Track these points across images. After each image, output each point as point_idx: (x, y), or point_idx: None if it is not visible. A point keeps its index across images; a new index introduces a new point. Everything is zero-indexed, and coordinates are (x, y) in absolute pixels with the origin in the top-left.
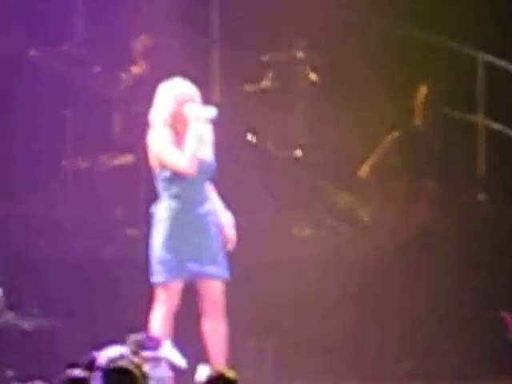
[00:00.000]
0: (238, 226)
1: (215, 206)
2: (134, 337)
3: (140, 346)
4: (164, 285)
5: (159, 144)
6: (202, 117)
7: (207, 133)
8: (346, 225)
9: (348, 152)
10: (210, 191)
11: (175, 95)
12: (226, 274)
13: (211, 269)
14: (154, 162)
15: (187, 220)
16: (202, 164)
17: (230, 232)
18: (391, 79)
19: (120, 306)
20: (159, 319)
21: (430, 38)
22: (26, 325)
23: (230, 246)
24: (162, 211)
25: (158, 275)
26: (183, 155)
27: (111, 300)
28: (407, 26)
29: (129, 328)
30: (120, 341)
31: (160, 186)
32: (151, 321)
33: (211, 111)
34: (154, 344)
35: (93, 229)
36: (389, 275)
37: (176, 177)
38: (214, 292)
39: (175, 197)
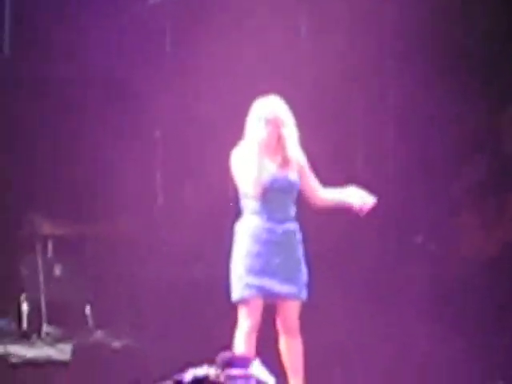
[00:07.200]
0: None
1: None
2: (224, 355)
3: (229, 365)
4: (242, 302)
5: (234, 162)
6: (261, 141)
7: (292, 152)
8: (434, 242)
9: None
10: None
11: (258, 115)
12: (303, 295)
13: (288, 289)
14: (235, 179)
15: (267, 238)
16: (283, 183)
17: None
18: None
19: (210, 324)
20: (241, 337)
21: None
22: (116, 343)
23: None
24: (242, 228)
25: (235, 293)
26: (247, 177)
27: (200, 319)
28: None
29: (218, 346)
30: (209, 359)
31: (241, 202)
32: (234, 339)
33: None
34: (244, 362)
35: (184, 250)
36: (474, 291)
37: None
38: (288, 311)
39: (255, 214)
